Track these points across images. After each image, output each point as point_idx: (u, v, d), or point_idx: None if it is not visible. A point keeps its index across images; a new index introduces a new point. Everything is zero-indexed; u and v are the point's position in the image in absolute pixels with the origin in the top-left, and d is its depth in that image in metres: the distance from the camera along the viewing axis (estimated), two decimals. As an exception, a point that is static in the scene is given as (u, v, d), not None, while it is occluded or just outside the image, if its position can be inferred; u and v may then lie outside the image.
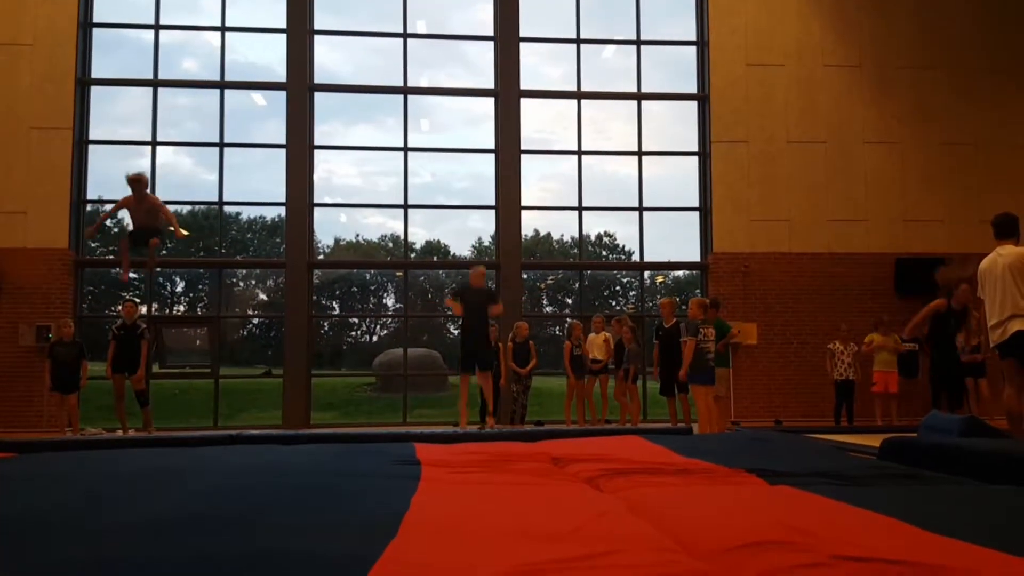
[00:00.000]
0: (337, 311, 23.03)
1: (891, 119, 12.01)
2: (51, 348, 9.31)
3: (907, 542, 1.74)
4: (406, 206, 11.96)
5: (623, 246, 20.96)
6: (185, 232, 8.86)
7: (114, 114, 12.47)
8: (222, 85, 11.71)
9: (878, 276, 11.67)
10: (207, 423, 11.64)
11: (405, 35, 12.03)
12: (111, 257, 15.91)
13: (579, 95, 12.19)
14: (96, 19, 11.54)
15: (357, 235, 20.41)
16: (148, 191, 7.80)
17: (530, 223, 16.16)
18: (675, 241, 13.14)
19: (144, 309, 11.82)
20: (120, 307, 9.68)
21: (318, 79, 11.95)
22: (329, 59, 13.53)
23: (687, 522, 2.02)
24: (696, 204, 12.18)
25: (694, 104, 12.30)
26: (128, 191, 7.68)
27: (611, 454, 3.37)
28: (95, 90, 11.54)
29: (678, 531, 1.93)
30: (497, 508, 2.21)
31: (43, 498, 2.45)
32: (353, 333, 24.84)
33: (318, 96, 11.94)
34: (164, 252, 11.72)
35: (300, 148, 11.52)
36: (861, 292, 11.64)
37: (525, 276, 12.52)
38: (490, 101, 12.06)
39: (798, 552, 1.64)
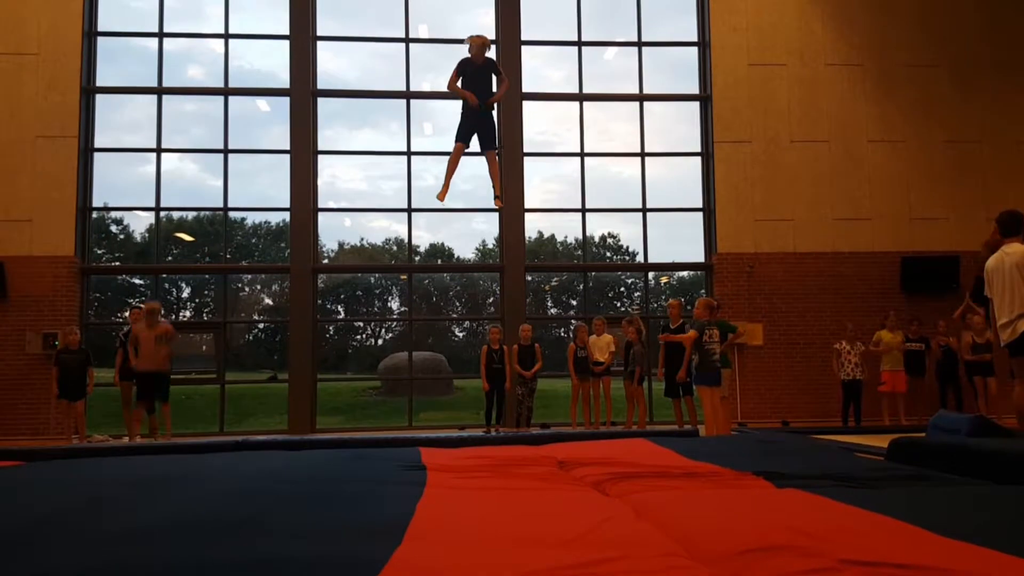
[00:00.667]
0: (342, 315, 23.08)
1: (894, 117, 11.97)
2: (57, 356, 9.35)
3: (915, 545, 1.73)
4: (410, 210, 11.97)
5: (627, 247, 20.96)
6: (188, 237, 8.96)
7: (120, 122, 12.53)
8: (226, 92, 11.74)
9: (884, 275, 11.63)
10: (213, 429, 11.66)
11: (407, 40, 12.05)
12: (117, 264, 16.00)
13: (581, 97, 12.19)
14: (101, 28, 11.59)
15: (361, 239, 20.45)
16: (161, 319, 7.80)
17: (533, 225, 16.19)
18: (679, 242, 13.12)
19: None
20: (129, 314, 9.73)
21: (321, 84, 11.97)
22: (333, 65, 13.58)
23: (694, 526, 2.02)
24: (699, 204, 12.16)
25: (696, 105, 12.29)
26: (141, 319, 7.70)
27: (617, 457, 3.37)
28: (101, 98, 11.58)
29: (685, 535, 1.93)
30: (503, 513, 2.21)
31: (48, 505, 2.46)
32: (358, 337, 24.88)
33: (322, 101, 11.97)
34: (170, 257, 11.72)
35: (304, 153, 11.54)
36: (867, 291, 11.61)
37: (529, 278, 12.50)
38: (493, 104, 12.05)
39: (805, 556, 1.64)
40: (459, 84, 6.64)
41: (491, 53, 6.90)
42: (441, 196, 7.08)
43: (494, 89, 6.84)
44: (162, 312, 8.05)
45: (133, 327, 7.92)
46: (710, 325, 8.17)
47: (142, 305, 9.30)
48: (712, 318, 8.28)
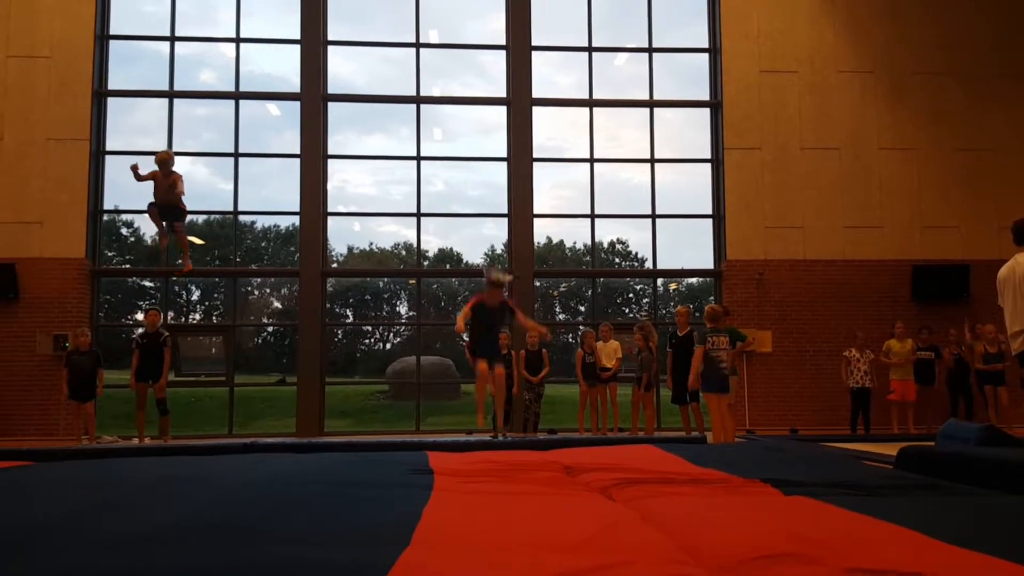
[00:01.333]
0: (351, 319, 23.15)
1: (906, 125, 11.93)
2: (68, 357, 9.41)
3: (922, 553, 1.72)
4: (419, 214, 12.00)
5: (636, 253, 20.96)
6: (199, 240, 9.13)
7: (132, 125, 12.63)
8: (237, 96, 11.82)
9: (894, 283, 11.58)
10: (222, 431, 11.71)
11: (418, 45, 12.10)
12: (127, 267, 16.10)
13: (591, 103, 12.20)
14: (113, 31, 11.69)
15: (371, 243, 20.53)
16: (174, 168, 8.05)
17: (543, 231, 16.21)
18: (688, 248, 13.14)
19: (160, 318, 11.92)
20: (144, 316, 9.82)
21: (332, 89, 12.03)
22: (344, 69, 13.64)
23: (700, 533, 2.01)
24: (709, 211, 12.14)
25: (707, 111, 12.28)
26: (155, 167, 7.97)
27: (624, 463, 3.36)
28: (114, 101, 11.68)
29: (691, 542, 1.92)
30: (510, 518, 2.21)
31: (56, 506, 2.47)
32: (366, 341, 24.94)
33: (332, 106, 12.02)
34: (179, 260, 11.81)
35: (314, 158, 11.60)
36: (877, 299, 11.55)
37: (538, 284, 12.51)
38: (502, 110, 12.10)
39: (811, 564, 1.63)
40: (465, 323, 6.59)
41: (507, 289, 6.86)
42: (479, 420, 7.18)
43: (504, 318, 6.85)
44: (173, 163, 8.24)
45: (150, 173, 8.13)
46: (717, 332, 8.14)
47: (158, 308, 9.45)
48: (719, 325, 8.25)
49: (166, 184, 7.97)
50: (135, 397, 9.32)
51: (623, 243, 21.06)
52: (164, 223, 8.19)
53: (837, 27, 12.04)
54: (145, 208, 8.15)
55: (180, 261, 8.82)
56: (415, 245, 12.46)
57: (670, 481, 2.94)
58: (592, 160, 12.13)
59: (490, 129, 12.81)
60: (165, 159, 8.00)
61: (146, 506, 2.48)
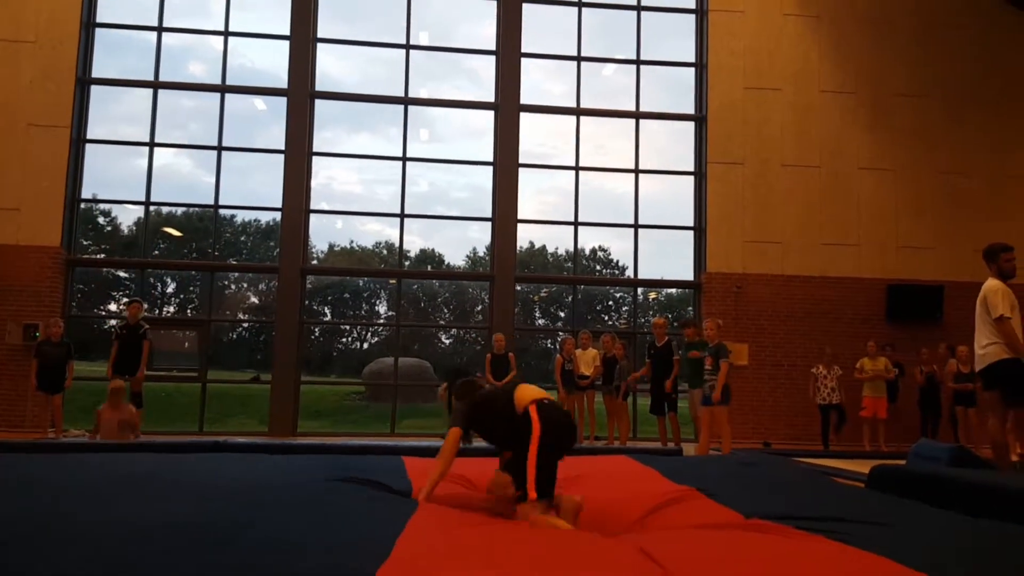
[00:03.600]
0: (328, 317, 22.98)
1: (886, 145, 12.11)
2: (38, 347, 9.20)
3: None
4: (402, 215, 11.96)
5: (617, 261, 21.03)
6: (176, 232, 9.10)
7: (118, 114, 12.46)
8: (223, 89, 11.71)
9: (869, 301, 11.73)
10: (193, 428, 11.54)
11: (408, 46, 12.07)
12: (103, 256, 15.87)
13: (578, 111, 12.25)
14: (99, 19, 11.53)
15: (352, 241, 20.41)
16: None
17: (526, 236, 16.18)
18: (669, 259, 13.18)
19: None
20: (127, 307, 9.60)
21: (322, 87, 11.96)
22: (332, 68, 13.57)
23: (691, 569, 2.02)
24: (691, 223, 12.23)
25: (692, 124, 12.38)
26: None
27: (599, 476, 3.36)
28: (101, 90, 11.52)
29: (671, 567, 1.93)
30: (489, 531, 2.20)
31: (12, 503, 2.41)
32: (344, 340, 24.75)
33: (320, 103, 11.95)
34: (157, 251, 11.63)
35: (299, 154, 11.51)
36: (852, 316, 11.70)
37: (519, 288, 12.50)
38: (490, 114, 12.11)
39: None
40: None
41: None
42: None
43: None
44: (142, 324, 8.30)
45: (97, 412, 8.18)
46: (696, 348, 8.21)
47: (140, 300, 9.32)
48: (694, 340, 8.33)
49: (116, 423, 7.84)
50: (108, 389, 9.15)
51: (605, 251, 21.13)
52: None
53: (822, 47, 12.20)
54: (122, 199, 7.96)
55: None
56: (397, 245, 12.41)
57: (647, 504, 2.95)
58: (577, 168, 12.17)
59: (477, 133, 12.81)
60: (117, 389, 7.94)
61: (107, 504, 2.44)
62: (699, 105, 12.29)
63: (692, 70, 12.45)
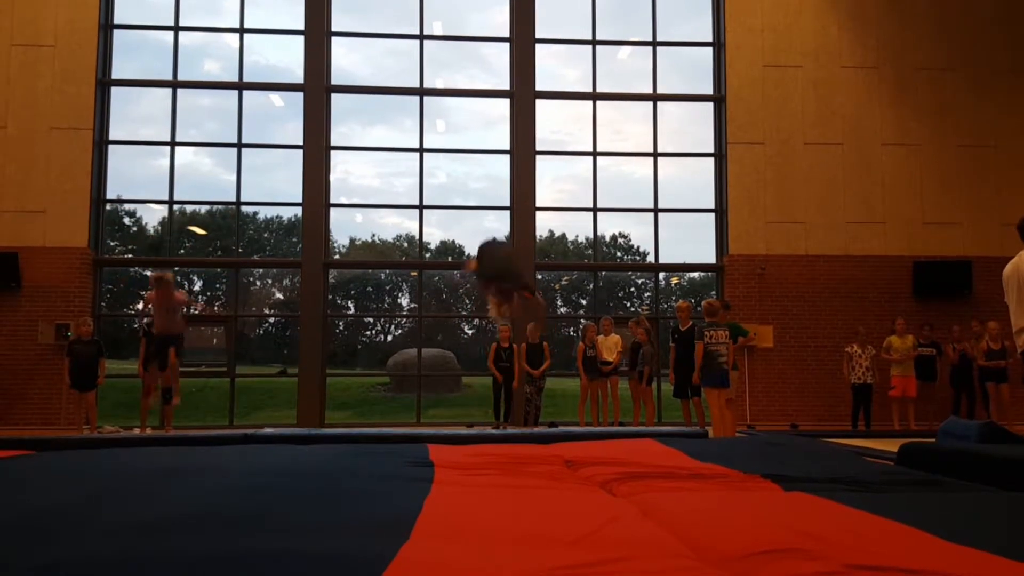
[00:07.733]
0: (352, 311, 23.13)
1: (909, 121, 11.88)
2: (70, 346, 9.42)
3: (922, 550, 1.72)
4: (421, 207, 11.98)
5: (638, 247, 20.88)
6: (201, 231, 9.25)
7: (136, 114, 12.60)
8: (240, 86, 11.79)
9: (895, 279, 11.56)
10: (223, 422, 11.73)
11: (421, 36, 12.06)
12: (130, 256, 16.10)
13: (594, 96, 12.16)
14: (117, 21, 11.66)
15: (373, 235, 20.48)
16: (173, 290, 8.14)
17: (545, 224, 16.12)
18: (690, 242, 13.07)
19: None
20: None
21: (336, 80, 12.00)
22: (347, 61, 13.61)
23: (701, 528, 2.02)
24: (712, 205, 12.12)
25: (710, 105, 12.24)
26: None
27: (625, 457, 3.37)
28: (117, 91, 11.66)
29: (691, 537, 1.93)
30: (510, 512, 2.21)
31: (54, 496, 2.48)
32: (368, 333, 24.93)
33: (335, 97, 11.99)
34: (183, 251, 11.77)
35: (317, 149, 11.58)
36: (878, 295, 11.53)
37: (540, 277, 12.50)
38: (506, 102, 12.07)
39: (812, 560, 1.63)
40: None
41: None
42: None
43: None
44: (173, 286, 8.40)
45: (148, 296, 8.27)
46: (715, 327, 8.16)
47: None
48: (718, 319, 8.26)
49: (165, 312, 7.89)
50: (141, 385, 9.32)
51: (625, 237, 20.98)
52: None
53: (842, 22, 11.98)
54: (144, 199, 8.07)
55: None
56: (417, 237, 12.45)
57: (671, 476, 2.95)
58: (595, 153, 12.10)
59: (493, 122, 12.78)
60: (159, 280, 7.93)
61: (141, 496, 2.49)
62: (717, 85, 12.14)
63: (709, 49, 12.30)
